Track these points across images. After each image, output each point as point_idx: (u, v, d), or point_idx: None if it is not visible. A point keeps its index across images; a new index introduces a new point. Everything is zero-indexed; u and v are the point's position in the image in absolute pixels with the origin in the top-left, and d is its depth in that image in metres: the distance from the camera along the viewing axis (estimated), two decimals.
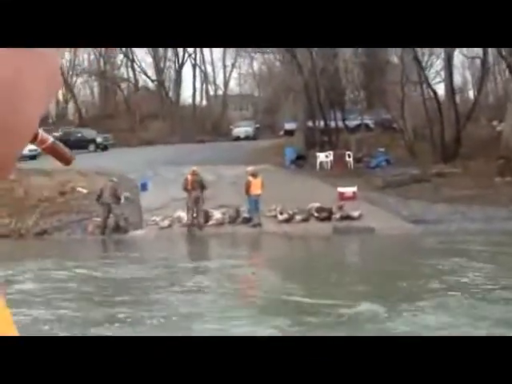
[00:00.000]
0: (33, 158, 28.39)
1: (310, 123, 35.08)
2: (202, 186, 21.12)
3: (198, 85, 61.40)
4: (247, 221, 21.32)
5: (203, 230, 20.90)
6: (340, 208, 21.61)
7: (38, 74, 0.47)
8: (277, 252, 17.45)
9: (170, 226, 21.35)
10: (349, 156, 30.03)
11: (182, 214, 21.24)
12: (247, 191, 21.35)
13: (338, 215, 21.36)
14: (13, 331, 0.52)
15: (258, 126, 50.04)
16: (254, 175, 21.68)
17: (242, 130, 48.25)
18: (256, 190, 21.26)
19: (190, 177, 21.46)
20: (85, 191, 25.41)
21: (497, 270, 12.35)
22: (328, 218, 21.28)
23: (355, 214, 21.32)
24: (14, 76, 0.45)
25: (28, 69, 0.46)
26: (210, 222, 21.28)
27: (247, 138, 46.05)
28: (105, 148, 43.18)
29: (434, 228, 20.28)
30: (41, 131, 0.66)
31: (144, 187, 26.03)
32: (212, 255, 17.25)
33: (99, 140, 43.84)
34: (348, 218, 21.29)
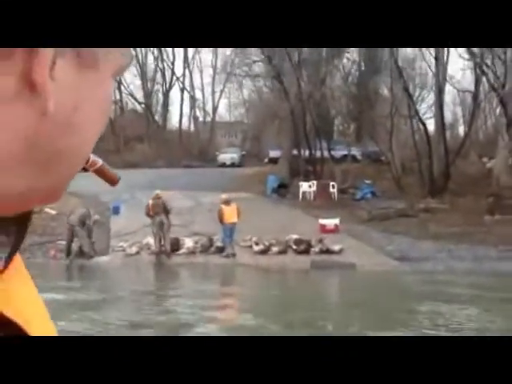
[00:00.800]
0: None
1: (295, 151, 34.01)
2: (165, 210, 19.77)
3: (187, 110, 61.00)
4: (220, 250, 20.03)
5: (171, 258, 19.52)
6: (320, 241, 20.35)
7: (94, 105, 0.51)
8: (248, 287, 16.08)
9: (137, 253, 19.96)
10: (333, 187, 28.85)
11: (151, 241, 19.88)
12: (221, 220, 20.10)
13: (317, 248, 20.08)
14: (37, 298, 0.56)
15: (244, 153, 49.20)
16: (227, 203, 20.43)
17: (227, 156, 47.39)
18: (230, 218, 20.01)
19: (151, 201, 20.18)
20: (53, 212, 24.05)
21: (485, 318, 11.06)
22: (306, 251, 19.99)
23: (336, 247, 20.07)
24: (73, 111, 0.49)
25: (86, 101, 0.50)
26: (181, 251, 19.92)
27: (233, 164, 45.08)
28: (84, 169, 41.90)
29: (418, 266, 19.10)
30: (91, 155, 0.67)
31: (116, 211, 24.71)
32: (173, 290, 15.62)
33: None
34: (328, 251, 20.03)
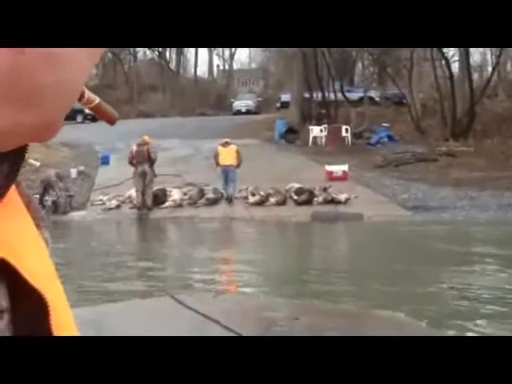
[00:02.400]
0: None
1: (308, 94, 31.46)
2: (149, 159, 17.58)
3: (206, 56, 59.12)
4: (211, 202, 17.90)
5: (151, 212, 17.38)
6: (324, 190, 18.08)
7: None
8: (234, 246, 13.96)
9: (118, 206, 17.89)
10: (346, 131, 26.37)
11: (134, 194, 17.76)
12: (216, 162, 18.35)
13: (320, 198, 17.82)
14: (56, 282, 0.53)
15: (260, 99, 46.87)
16: (225, 144, 18.38)
17: (242, 103, 45.17)
18: (225, 160, 18.02)
19: (135, 148, 18.04)
20: (37, 164, 22.16)
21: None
22: (309, 202, 17.76)
23: (341, 197, 17.79)
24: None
25: None
26: (166, 204, 17.80)
27: (249, 112, 42.80)
28: (94, 119, 40.13)
29: (436, 217, 16.76)
30: (87, 92, 0.70)
31: (105, 161, 22.71)
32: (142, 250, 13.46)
33: (88, 110, 40.77)
34: (333, 201, 17.78)
